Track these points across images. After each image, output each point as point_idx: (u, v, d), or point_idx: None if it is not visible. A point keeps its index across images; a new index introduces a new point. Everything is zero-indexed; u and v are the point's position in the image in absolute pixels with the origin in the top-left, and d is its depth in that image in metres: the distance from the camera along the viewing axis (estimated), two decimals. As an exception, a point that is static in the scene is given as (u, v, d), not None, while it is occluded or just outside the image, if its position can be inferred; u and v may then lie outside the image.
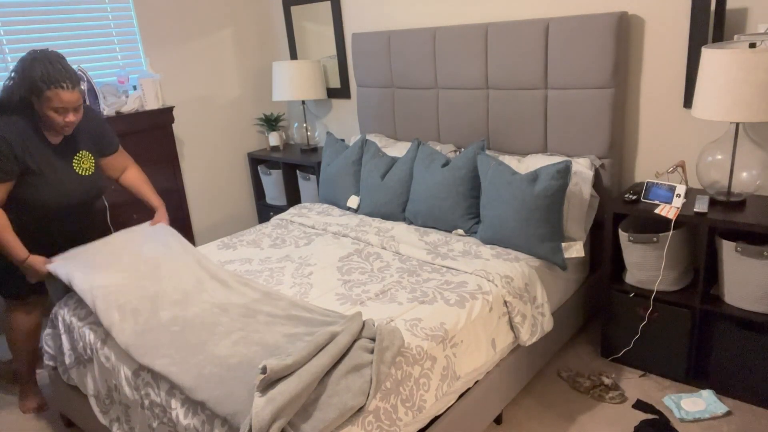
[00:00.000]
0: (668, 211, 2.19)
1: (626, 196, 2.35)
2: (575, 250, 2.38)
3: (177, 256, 2.22)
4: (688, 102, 2.39)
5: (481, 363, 1.94)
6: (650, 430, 2.06)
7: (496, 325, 2.02)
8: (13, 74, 2.04)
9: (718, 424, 2.09)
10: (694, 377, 2.31)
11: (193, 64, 3.59)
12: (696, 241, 2.38)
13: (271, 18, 3.99)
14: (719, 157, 2.18)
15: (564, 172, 2.24)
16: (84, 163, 2.26)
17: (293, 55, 3.95)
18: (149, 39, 3.36)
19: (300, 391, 1.41)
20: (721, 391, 2.25)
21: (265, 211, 4.02)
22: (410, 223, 2.74)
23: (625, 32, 2.45)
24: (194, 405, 1.58)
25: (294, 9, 3.79)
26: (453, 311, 1.90)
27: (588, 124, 2.55)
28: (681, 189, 2.22)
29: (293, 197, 3.87)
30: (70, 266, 2.08)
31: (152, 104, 3.16)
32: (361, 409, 1.50)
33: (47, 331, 2.24)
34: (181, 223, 3.44)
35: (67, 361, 2.13)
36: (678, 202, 2.22)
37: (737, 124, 2.11)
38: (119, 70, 3.17)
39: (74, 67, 2.86)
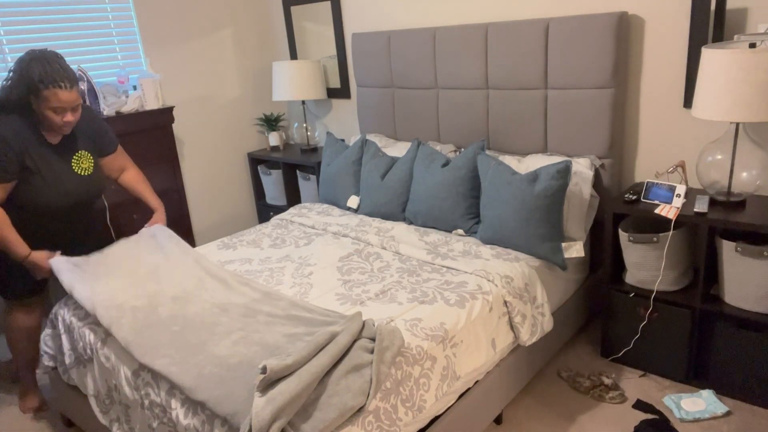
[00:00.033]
0: (668, 211, 2.19)
1: (626, 196, 2.35)
2: (575, 250, 2.38)
3: (176, 260, 2.22)
4: (688, 102, 2.39)
5: (481, 363, 1.94)
6: (650, 430, 2.06)
7: (496, 325, 2.02)
8: (11, 74, 2.04)
9: (718, 424, 2.09)
10: (694, 377, 2.31)
11: (193, 64, 3.59)
12: (696, 241, 2.38)
13: (271, 18, 3.99)
14: (719, 157, 2.18)
15: (564, 172, 2.24)
16: (83, 163, 2.25)
17: (293, 55, 3.95)
18: (149, 39, 3.36)
19: (300, 391, 1.41)
20: (721, 391, 2.25)
21: (265, 211, 4.01)
22: (410, 223, 2.74)
23: (625, 32, 2.45)
24: (194, 405, 1.58)
25: (294, 9, 3.79)
26: (453, 311, 1.90)
27: (588, 124, 2.55)
28: (681, 189, 2.22)
29: (293, 197, 3.86)
30: (71, 277, 2.07)
31: (152, 104, 3.16)
32: (361, 409, 1.50)
33: (47, 331, 2.24)
34: (181, 223, 3.44)
35: (67, 361, 2.13)
36: (678, 202, 2.22)
37: (737, 124, 2.11)
38: (119, 70, 3.17)
39: (74, 67, 2.88)
